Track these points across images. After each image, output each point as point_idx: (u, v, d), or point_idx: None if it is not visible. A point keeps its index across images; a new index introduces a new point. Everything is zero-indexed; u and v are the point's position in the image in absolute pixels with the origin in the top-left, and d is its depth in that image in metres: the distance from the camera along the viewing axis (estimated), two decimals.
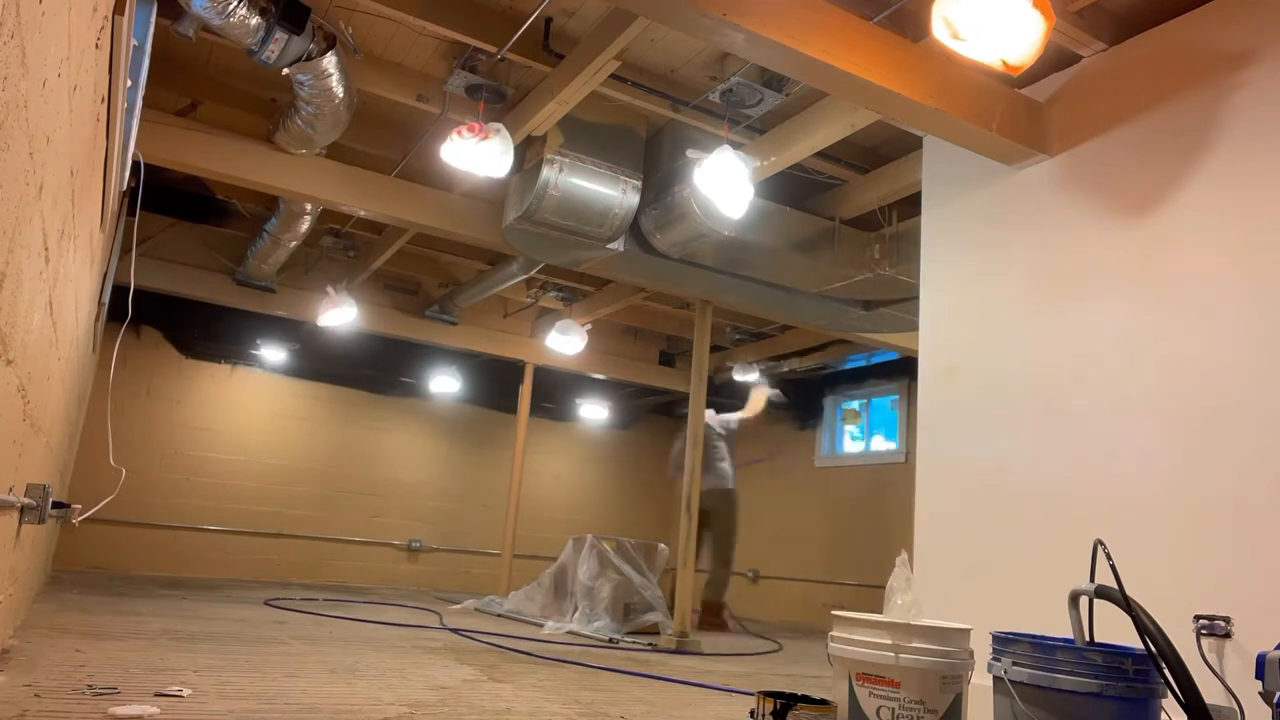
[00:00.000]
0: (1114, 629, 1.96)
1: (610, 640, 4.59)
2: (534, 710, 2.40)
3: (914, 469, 3.21)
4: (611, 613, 4.92)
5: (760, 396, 6.87)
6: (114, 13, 1.60)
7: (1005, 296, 3.03)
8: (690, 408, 5.12)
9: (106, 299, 3.91)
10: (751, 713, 2.00)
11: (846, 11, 2.68)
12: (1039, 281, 2.93)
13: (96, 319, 3.73)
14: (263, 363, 7.46)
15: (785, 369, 7.53)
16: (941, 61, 2.80)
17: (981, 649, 1.98)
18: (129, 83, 2.10)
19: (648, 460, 9.36)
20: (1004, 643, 1.88)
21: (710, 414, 6.64)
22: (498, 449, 8.40)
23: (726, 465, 6.64)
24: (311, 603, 5.29)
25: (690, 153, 3.65)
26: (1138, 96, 2.76)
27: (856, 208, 4.48)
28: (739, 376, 7.44)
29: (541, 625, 4.96)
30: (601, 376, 7.76)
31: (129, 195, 3.93)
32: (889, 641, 1.91)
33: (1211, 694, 1.97)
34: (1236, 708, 2.05)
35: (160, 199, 5.36)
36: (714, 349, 7.28)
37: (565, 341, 6.46)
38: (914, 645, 1.89)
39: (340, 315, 6.04)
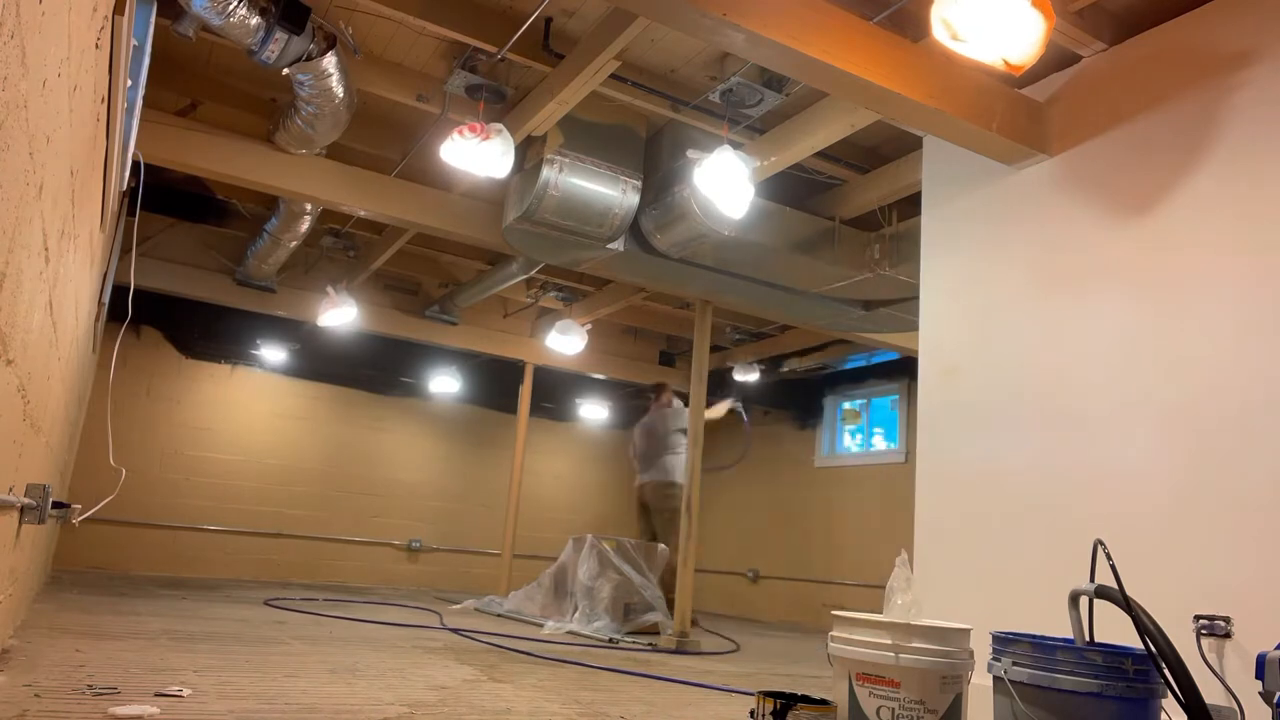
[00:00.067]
0: (1114, 629, 1.96)
1: (610, 640, 4.59)
2: (534, 710, 2.40)
3: (914, 469, 3.21)
4: (611, 613, 4.92)
5: (723, 406, 6.64)
6: (114, 13, 1.60)
7: (1005, 296, 3.03)
8: (690, 407, 5.12)
9: (106, 299, 3.91)
10: (751, 713, 2.00)
11: (846, 11, 2.68)
12: (1039, 281, 2.93)
13: (96, 319, 3.73)
14: (263, 363, 7.45)
15: (785, 369, 7.52)
16: (941, 61, 2.80)
17: (981, 649, 1.98)
18: (129, 83, 2.10)
19: None
20: (1004, 643, 1.88)
21: (677, 404, 6.50)
22: (498, 449, 8.40)
23: (679, 459, 6.27)
24: (311, 603, 5.29)
25: (690, 153, 3.65)
26: (1138, 96, 2.76)
27: (856, 208, 4.48)
28: (739, 377, 7.44)
29: (541, 625, 4.96)
30: (601, 376, 7.76)
31: (129, 195, 3.93)
32: (889, 641, 1.91)
33: (1211, 694, 1.97)
34: (1236, 708, 2.05)
35: (160, 199, 5.36)
36: (714, 349, 7.27)
37: (565, 341, 6.46)
38: (914, 645, 1.89)
39: (340, 315, 6.04)
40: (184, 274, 6.11)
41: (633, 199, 4.11)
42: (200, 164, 4.11)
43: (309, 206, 4.82)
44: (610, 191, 4.05)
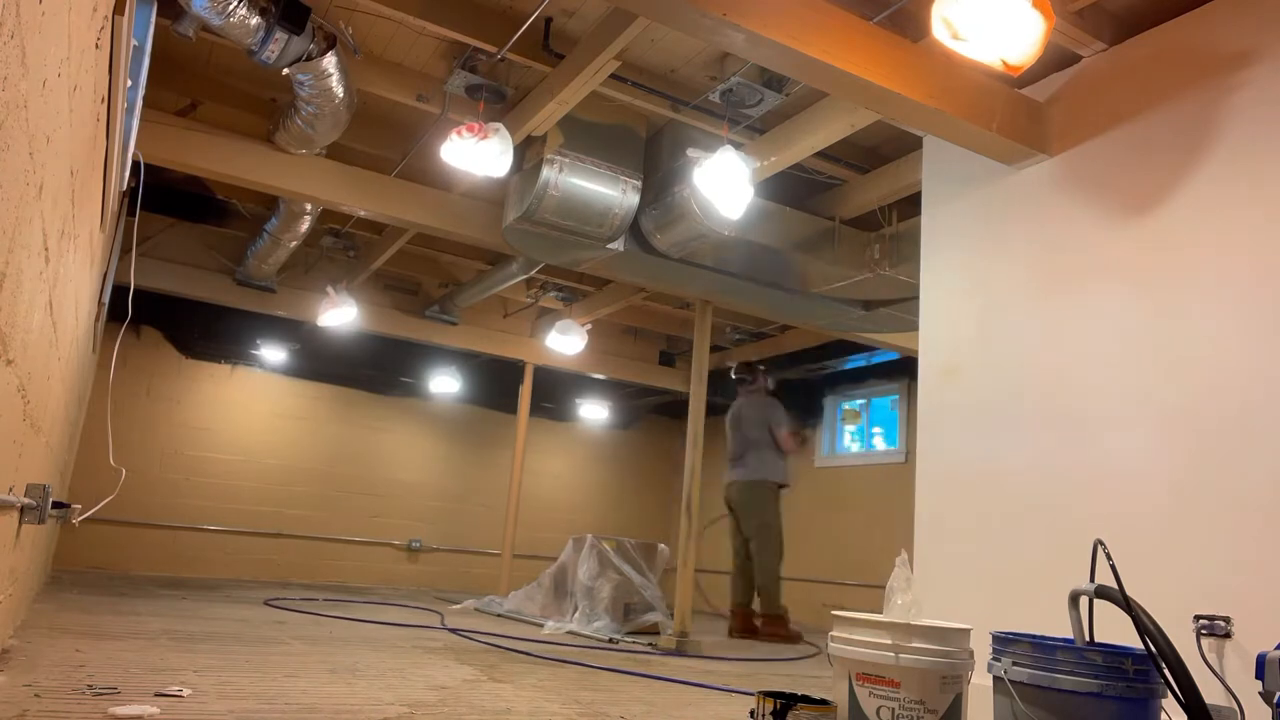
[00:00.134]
0: (1114, 629, 1.97)
1: (610, 640, 4.59)
2: (534, 710, 2.40)
3: (914, 469, 3.21)
4: (611, 613, 4.92)
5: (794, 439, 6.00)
6: (114, 13, 1.60)
7: (1005, 296, 3.03)
8: (690, 408, 5.12)
9: (106, 299, 3.91)
10: (751, 713, 2.00)
11: (846, 11, 2.68)
12: (1039, 281, 2.93)
13: (96, 319, 3.73)
14: (263, 363, 7.46)
15: (785, 369, 7.52)
16: (941, 61, 2.80)
17: (981, 649, 1.98)
18: (129, 83, 2.10)
19: (648, 460, 9.37)
20: (1004, 643, 1.88)
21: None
22: (498, 449, 8.40)
23: (772, 456, 5.80)
24: (311, 603, 5.29)
25: (690, 153, 3.65)
26: (1138, 96, 2.76)
27: (856, 208, 4.48)
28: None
29: (541, 625, 4.96)
30: (601, 376, 7.76)
31: (129, 195, 3.94)
32: (889, 641, 1.91)
33: (1211, 694, 1.97)
34: (1236, 708, 2.05)
35: (160, 199, 5.36)
36: (714, 349, 7.27)
37: (565, 341, 6.46)
38: (914, 645, 1.89)
39: (340, 315, 6.04)
40: (184, 274, 6.11)
41: (633, 199, 4.11)
42: (200, 164, 4.11)
43: (309, 206, 4.83)
44: (610, 191, 4.05)
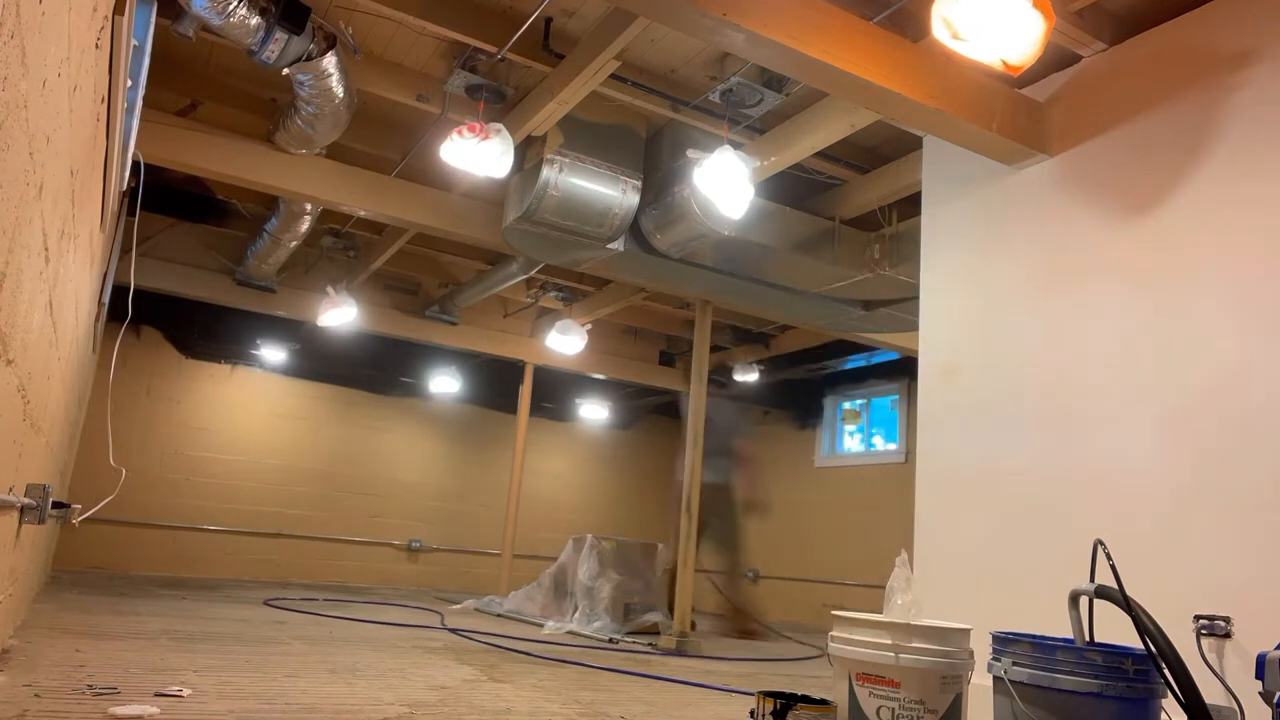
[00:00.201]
0: (1114, 629, 1.96)
1: (610, 640, 4.59)
2: (534, 710, 2.40)
3: (914, 469, 3.21)
4: (611, 613, 4.92)
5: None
6: (114, 13, 1.60)
7: (1005, 296, 3.03)
8: (690, 408, 5.12)
9: (106, 299, 3.91)
10: (751, 713, 2.00)
11: (846, 11, 2.68)
12: (1039, 281, 2.93)
13: (96, 319, 3.73)
14: (263, 363, 7.46)
15: (785, 369, 7.52)
16: (941, 61, 2.80)
17: (981, 649, 1.98)
18: (129, 83, 2.10)
19: (648, 460, 9.36)
20: (1004, 643, 1.88)
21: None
22: (498, 449, 8.40)
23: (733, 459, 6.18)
24: (311, 603, 5.29)
25: (690, 153, 3.65)
26: (1138, 96, 2.76)
27: (856, 208, 4.48)
28: (739, 377, 7.44)
29: (541, 625, 4.96)
30: (601, 376, 7.76)
31: (129, 195, 3.93)
32: (889, 641, 1.91)
33: (1211, 694, 1.97)
34: (1236, 708, 2.05)
35: (160, 199, 5.36)
36: (714, 349, 7.27)
37: (565, 341, 6.46)
38: (914, 645, 1.89)
39: (340, 315, 6.04)
40: (184, 274, 6.11)
41: (633, 199, 4.11)
42: (200, 164, 4.11)
43: (309, 206, 4.82)
44: (610, 191, 4.05)
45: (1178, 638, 1.94)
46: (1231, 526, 2.27)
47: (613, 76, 3.57)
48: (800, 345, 7.08)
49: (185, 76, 4.08)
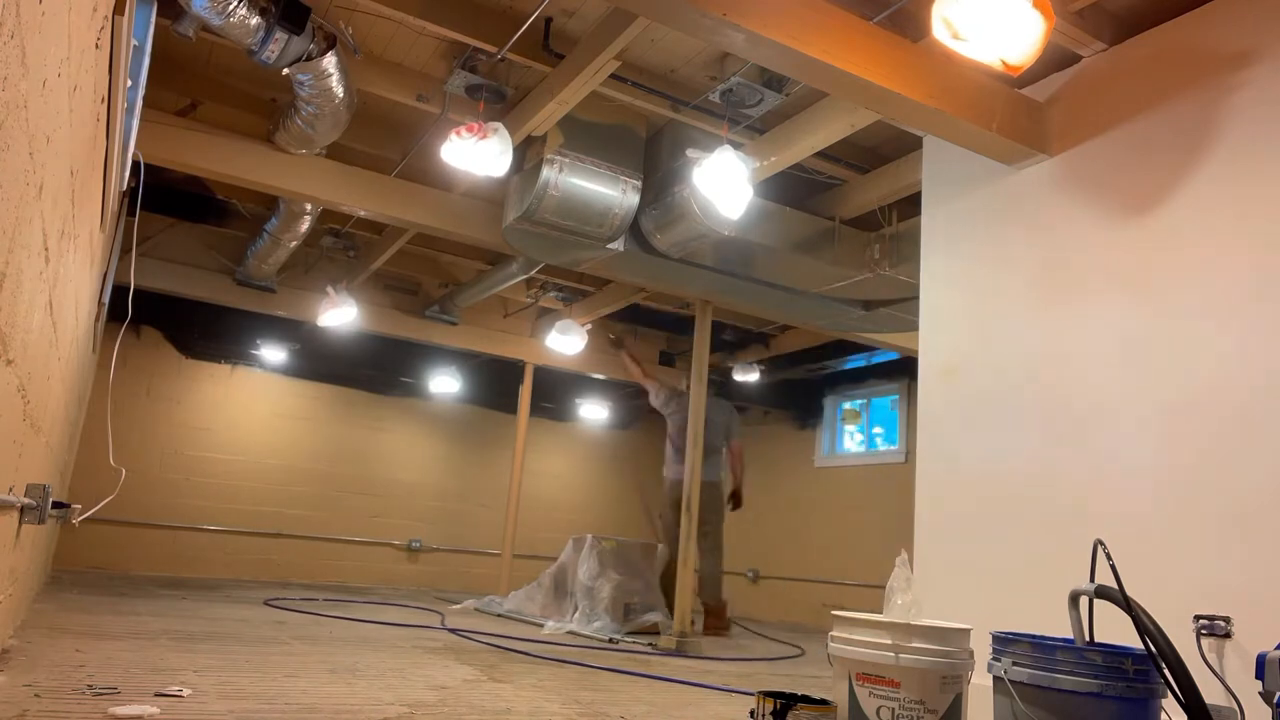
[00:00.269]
0: (1114, 629, 1.96)
1: (610, 640, 4.59)
2: (534, 710, 2.40)
3: (914, 469, 3.21)
4: (611, 613, 4.92)
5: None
6: (114, 13, 1.60)
7: (1005, 296, 3.03)
8: (690, 407, 5.11)
9: (106, 299, 3.91)
10: (751, 713, 2.00)
11: (846, 11, 2.68)
12: (1039, 281, 2.93)
13: (96, 319, 3.73)
14: (263, 363, 7.45)
15: (785, 369, 7.52)
16: (941, 61, 2.80)
17: (981, 649, 1.98)
18: (129, 83, 2.10)
19: (648, 460, 9.35)
20: (1004, 643, 1.88)
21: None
22: (498, 449, 8.40)
23: (720, 457, 6.06)
24: (311, 603, 5.29)
25: (690, 153, 3.65)
26: (1138, 96, 2.76)
27: (856, 208, 4.48)
28: (739, 377, 7.44)
29: (541, 625, 4.96)
30: (601, 376, 7.75)
31: (129, 195, 3.93)
32: (889, 641, 1.91)
33: (1211, 694, 1.97)
34: (1236, 708, 2.05)
35: (160, 199, 5.35)
36: (714, 349, 7.26)
37: (565, 341, 6.45)
38: (914, 645, 1.89)
39: (340, 315, 6.04)
40: (184, 274, 6.11)
41: (633, 199, 4.11)
42: (200, 164, 4.11)
43: (309, 206, 4.82)
44: (610, 191, 4.05)
45: (1178, 638, 1.93)
46: (1232, 526, 2.27)
47: (613, 76, 3.57)
48: (800, 345, 7.08)
49: (185, 76, 4.08)
